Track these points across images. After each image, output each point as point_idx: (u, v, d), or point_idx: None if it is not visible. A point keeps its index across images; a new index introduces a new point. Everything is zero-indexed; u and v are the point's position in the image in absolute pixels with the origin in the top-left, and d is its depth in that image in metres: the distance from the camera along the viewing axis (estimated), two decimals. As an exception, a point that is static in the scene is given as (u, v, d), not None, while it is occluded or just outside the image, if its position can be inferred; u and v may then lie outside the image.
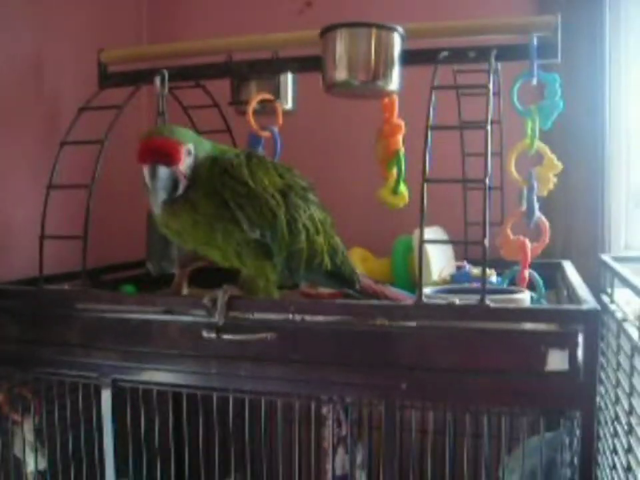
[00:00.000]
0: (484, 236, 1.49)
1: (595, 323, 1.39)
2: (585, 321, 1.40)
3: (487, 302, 1.45)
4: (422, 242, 1.50)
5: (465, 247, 2.27)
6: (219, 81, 2.15)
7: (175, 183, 1.54)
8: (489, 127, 1.54)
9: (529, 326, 1.45)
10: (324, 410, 1.97)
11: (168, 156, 1.52)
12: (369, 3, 2.48)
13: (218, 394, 1.68)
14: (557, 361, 1.41)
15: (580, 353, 1.40)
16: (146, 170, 1.53)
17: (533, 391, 1.44)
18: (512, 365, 1.44)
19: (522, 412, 1.54)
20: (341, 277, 1.77)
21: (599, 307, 1.41)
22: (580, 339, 1.40)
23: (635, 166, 2.40)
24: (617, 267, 1.92)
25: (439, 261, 2.02)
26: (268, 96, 2.02)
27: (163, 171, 1.52)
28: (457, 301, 1.48)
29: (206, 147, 1.62)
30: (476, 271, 2.00)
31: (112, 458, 1.76)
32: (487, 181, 1.50)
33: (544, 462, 1.59)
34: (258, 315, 1.59)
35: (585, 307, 1.42)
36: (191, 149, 1.56)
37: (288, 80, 2.11)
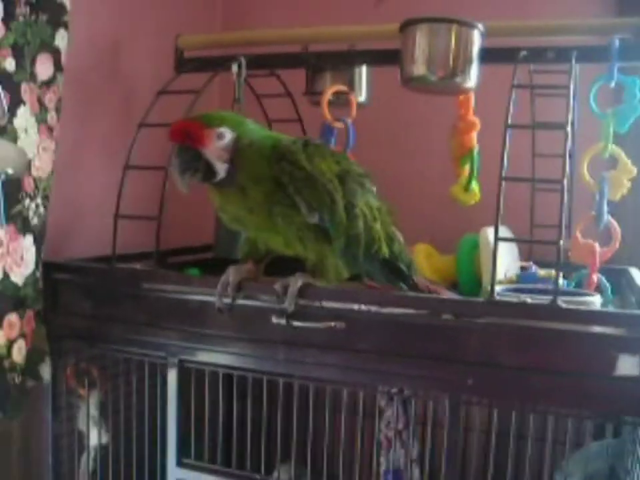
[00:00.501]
0: (559, 237, 1.48)
1: (668, 329, 1.38)
2: (658, 326, 1.39)
3: (559, 302, 1.44)
4: (497, 239, 1.50)
5: (530, 247, 2.26)
6: (292, 70, 2.17)
7: (207, 166, 1.57)
8: (568, 129, 1.53)
9: (599, 329, 1.44)
10: (382, 402, 1.97)
11: (191, 138, 1.54)
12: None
13: (283, 380, 1.70)
14: (626, 366, 1.40)
15: (651, 358, 1.39)
16: (175, 150, 1.57)
17: (600, 394, 1.43)
18: (580, 367, 1.44)
19: (587, 415, 1.53)
20: (398, 269, 1.76)
21: (673, 314, 1.40)
22: (652, 344, 1.39)
23: None
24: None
25: (505, 260, 2.01)
26: (343, 88, 2.03)
27: (186, 152, 1.55)
28: (529, 300, 1.47)
29: (254, 133, 1.63)
30: (543, 272, 1.99)
31: (175, 436, 1.79)
32: (565, 182, 1.49)
33: (604, 468, 1.58)
34: (327, 304, 1.60)
35: (658, 312, 1.41)
36: (226, 133, 1.57)
37: (363, 72, 2.12)
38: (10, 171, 1.60)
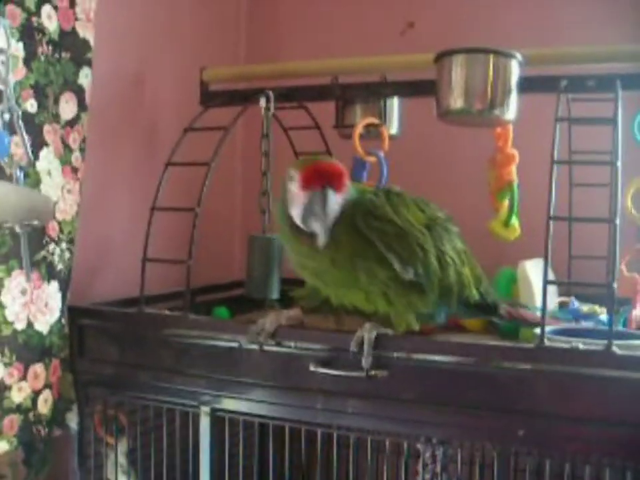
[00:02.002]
0: (612, 279, 1.40)
1: None
2: None
3: (614, 348, 1.37)
4: (546, 282, 1.43)
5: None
6: (321, 102, 2.11)
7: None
8: (619, 164, 1.46)
9: (657, 376, 1.37)
10: (419, 445, 1.90)
11: (339, 180, 1.47)
12: (473, 26, 2.42)
13: (322, 430, 1.63)
14: (687, 415, 1.33)
15: None
16: (313, 196, 1.45)
17: (660, 445, 1.36)
18: (637, 417, 1.36)
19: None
20: (486, 307, 1.70)
21: None
22: None
23: None
24: None
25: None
26: (374, 120, 1.97)
27: (332, 196, 1.46)
28: (581, 346, 1.40)
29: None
30: (586, 308, 1.92)
31: (208, 485, 1.73)
32: (617, 221, 1.42)
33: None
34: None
35: None
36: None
37: (394, 104, 2.06)
38: (36, 222, 1.55)
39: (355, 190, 1.55)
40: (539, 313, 1.69)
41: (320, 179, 1.45)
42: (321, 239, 1.45)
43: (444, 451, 1.89)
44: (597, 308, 1.93)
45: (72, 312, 1.82)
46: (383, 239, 1.49)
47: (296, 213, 1.47)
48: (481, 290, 1.67)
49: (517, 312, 1.76)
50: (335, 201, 1.46)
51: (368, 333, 1.52)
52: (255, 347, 1.60)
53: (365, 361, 1.51)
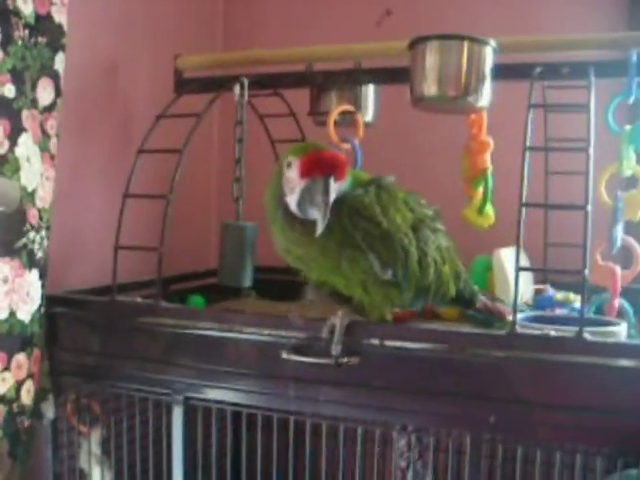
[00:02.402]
0: (583, 266, 1.40)
1: None
2: (690, 359, 1.31)
3: (585, 335, 1.37)
4: (518, 269, 1.43)
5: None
6: (296, 90, 2.10)
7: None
8: (591, 151, 1.46)
9: (627, 362, 1.36)
10: (394, 433, 1.90)
11: (342, 170, 1.45)
12: (449, 14, 2.41)
13: (295, 417, 1.62)
14: (659, 401, 1.33)
15: (684, 393, 1.32)
16: (313, 184, 1.43)
17: (630, 431, 1.35)
18: (608, 403, 1.36)
19: (618, 454, 1.45)
20: (462, 300, 1.70)
21: None
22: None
23: None
24: None
25: (520, 284, 1.94)
26: (349, 107, 1.96)
27: (333, 186, 1.44)
28: (552, 333, 1.40)
29: None
30: (560, 295, 1.92)
31: (181, 474, 1.72)
32: (589, 208, 1.42)
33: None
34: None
35: (692, 345, 1.34)
36: None
37: (369, 91, 2.05)
38: (1, 209, 1.53)
39: (351, 178, 1.53)
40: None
41: (323, 168, 1.43)
42: (320, 228, 1.43)
43: (418, 439, 1.89)
44: (571, 295, 1.93)
45: (45, 300, 1.79)
46: (367, 240, 1.48)
47: (293, 200, 1.45)
48: (459, 285, 1.66)
49: (494, 305, 1.75)
50: (336, 190, 1.45)
51: (340, 320, 1.52)
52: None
53: (335, 348, 1.50)
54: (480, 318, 1.74)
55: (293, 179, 1.45)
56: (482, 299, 1.74)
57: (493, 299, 1.80)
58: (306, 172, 1.43)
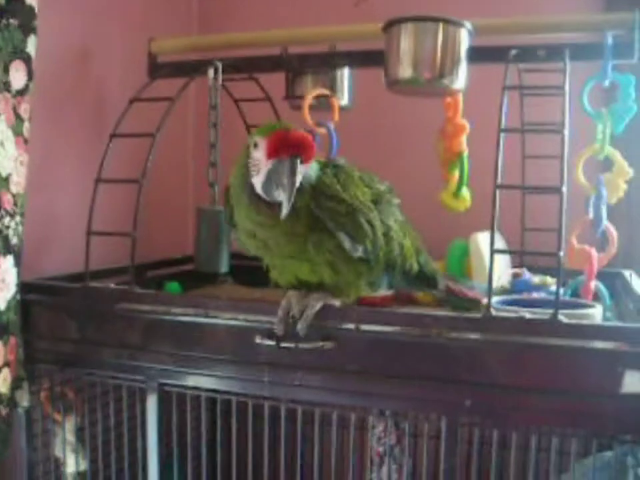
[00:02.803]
0: (558, 248, 1.40)
1: (678, 344, 1.30)
2: (666, 341, 1.31)
3: (560, 317, 1.36)
4: (493, 252, 1.42)
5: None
6: (272, 74, 2.08)
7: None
8: (566, 132, 1.45)
9: (604, 344, 1.36)
10: (372, 418, 1.90)
11: (309, 152, 1.42)
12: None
13: (269, 403, 1.61)
14: (634, 383, 1.32)
15: (659, 375, 1.31)
16: (279, 164, 1.39)
17: (606, 413, 1.36)
18: (584, 385, 1.36)
19: (594, 435, 1.45)
20: (425, 278, 1.70)
21: (681, 328, 1.32)
22: (659, 360, 1.31)
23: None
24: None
25: (497, 267, 1.94)
26: (324, 91, 1.95)
27: (300, 168, 1.41)
28: (527, 315, 1.40)
29: None
30: (536, 279, 1.92)
31: (156, 463, 1.70)
32: (564, 190, 1.41)
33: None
34: (315, 323, 1.51)
35: (666, 326, 1.34)
36: None
37: (345, 74, 2.03)
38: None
39: (314, 162, 1.51)
40: (479, 290, 1.70)
41: (289, 148, 1.39)
42: (285, 210, 1.40)
43: (395, 424, 1.88)
44: (548, 279, 1.93)
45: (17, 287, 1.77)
46: (334, 219, 1.47)
47: (258, 181, 1.42)
48: (421, 261, 1.67)
49: (457, 287, 1.76)
50: (302, 171, 1.42)
51: (315, 301, 1.50)
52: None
53: (301, 328, 1.49)
54: (456, 302, 1.73)
55: (259, 160, 1.42)
56: (444, 282, 1.75)
57: (454, 281, 1.81)
58: (272, 152, 1.40)
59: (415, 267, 1.65)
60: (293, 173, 1.39)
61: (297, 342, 1.50)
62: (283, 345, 1.50)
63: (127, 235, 1.68)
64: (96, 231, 1.73)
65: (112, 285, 1.77)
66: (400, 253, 1.59)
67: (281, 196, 1.40)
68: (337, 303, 1.53)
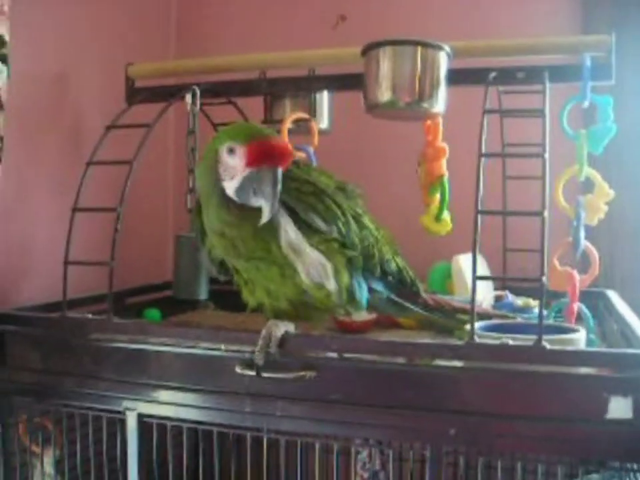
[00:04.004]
0: (542, 272, 1.38)
1: (663, 369, 1.29)
2: (652, 366, 1.30)
3: (544, 343, 1.35)
4: (475, 278, 1.40)
5: (503, 273, 2.18)
6: (250, 98, 2.07)
7: None
8: (547, 155, 1.44)
9: (587, 370, 1.35)
10: (354, 446, 1.87)
11: (287, 161, 1.42)
12: (406, 19, 2.40)
13: (251, 434, 1.58)
14: (619, 408, 1.31)
15: (645, 400, 1.30)
16: (260, 173, 1.39)
17: (592, 439, 1.34)
18: (569, 411, 1.34)
19: (580, 463, 1.43)
20: (405, 282, 1.69)
21: (667, 352, 1.31)
22: (646, 385, 1.30)
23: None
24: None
25: (480, 290, 1.93)
26: (303, 115, 1.94)
27: (280, 176, 1.40)
28: (511, 342, 1.38)
29: None
30: (520, 301, 1.91)
31: (137, 493, 1.67)
32: (546, 214, 1.40)
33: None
34: (296, 352, 1.49)
35: (652, 351, 1.33)
36: None
37: (324, 98, 2.02)
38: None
39: None
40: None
41: (272, 159, 1.39)
42: (266, 217, 1.39)
43: (380, 450, 1.86)
44: (531, 301, 1.92)
45: (-9, 318, 1.74)
46: (301, 199, 1.47)
47: (232, 186, 1.41)
48: (398, 262, 1.67)
49: (442, 300, 1.76)
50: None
51: (275, 327, 1.48)
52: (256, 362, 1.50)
53: (257, 357, 1.47)
54: (442, 322, 1.73)
55: (234, 166, 1.41)
56: (430, 296, 1.74)
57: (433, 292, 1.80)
58: (253, 161, 1.39)
59: (394, 265, 1.64)
60: (275, 182, 1.38)
61: (279, 372, 1.47)
62: (264, 374, 1.48)
63: (104, 264, 1.65)
64: (73, 261, 1.70)
65: (89, 315, 1.74)
66: (375, 244, 1.58)
67: (261, 203, 1.39)
68: (290, 328, 1.51)
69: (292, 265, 1.50)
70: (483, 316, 1.68)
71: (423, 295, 1.72)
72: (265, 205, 1.39)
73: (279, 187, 1.39)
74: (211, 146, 1.46)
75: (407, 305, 1.70)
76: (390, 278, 1.66)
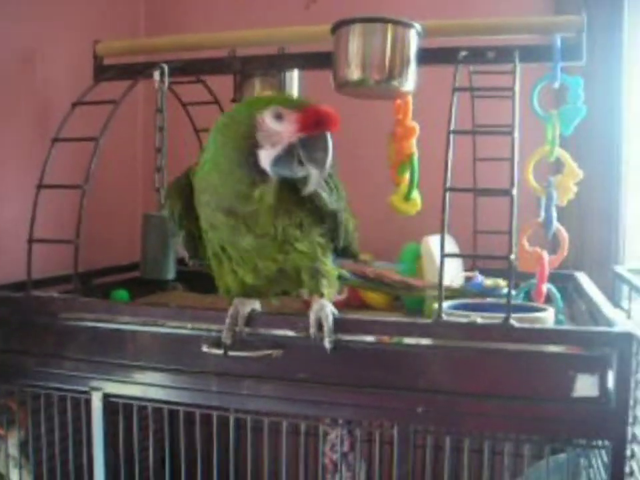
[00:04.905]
0: (509, 251, 1.38)
1: (629, 346, 1.29)
2: (617, 344, 1.30)
3: (512, 322, 1.34)
4: (443, 256, 1.40)
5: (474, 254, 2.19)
6: (221, 76, 2.05)
7: None
8: (516, 134, 1.44)
9: (555, 348, 1.35)
10: (326, 425, 1.87)
11: (338, 127, 1.38)
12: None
13: (218, 413, 1.57)
14: (585, 386, 1.31)
15: (611, 378, 1.30)
16: (312, 139, 1.35)
17: (559, 418, 1.34)
18: (536, 390, 1.35)
19: (547, 440, 1.44)
20: (349, 255, 1.69)
21: (632, 330, 1.31)
22: (611, 363, 1.30)
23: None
24: (634, 279, 1.83)
25: (449, 270, 1.92)
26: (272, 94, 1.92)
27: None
28: (479, 320, 1.38)
29: None
30: (489, 282, 1.90)
31: (103, 475, 1.65)
32: (514, 193, 1.40)
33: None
34: (263, 330, 1.48)
35: (617, 329, 1.33)
36: None
37: (294, 77, 2.00)
38: None
39: None
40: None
41: (326, 125, 1.35)
42: (313, 185, 1.37)
43: (349, 431, 1.86)
44: (500, 281, 1.92)
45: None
46: None
47: (269, 154, 1.34)
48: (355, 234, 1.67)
49: (382, 272, 1.78)
50: None
51: (242, 306, 1.48)
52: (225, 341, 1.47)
53: (225, 335, 1.46)
54: (411, 301, 1.76)
55: (279, 132, 1.34)
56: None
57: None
58: (307, 126, 1.34)
59: (352, 225, 1.64)
60: (329, 147, 1.36)
61: (245, 350, 1.46)
62: (231, 353, 1.46)
63: (70, 242, 1.63)
64: (37, 239, 1.68)
65: (55, 294, 1.72)
66: (349, 216, 1.59)
67: (308, 170, 1.35)
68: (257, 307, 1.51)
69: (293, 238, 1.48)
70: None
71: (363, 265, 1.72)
72: (314, 173, 1.35)
73: (331, 152, 1.36)
74: (244, 111, 1.39)
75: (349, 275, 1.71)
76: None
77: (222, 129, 1.40)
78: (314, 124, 1.34)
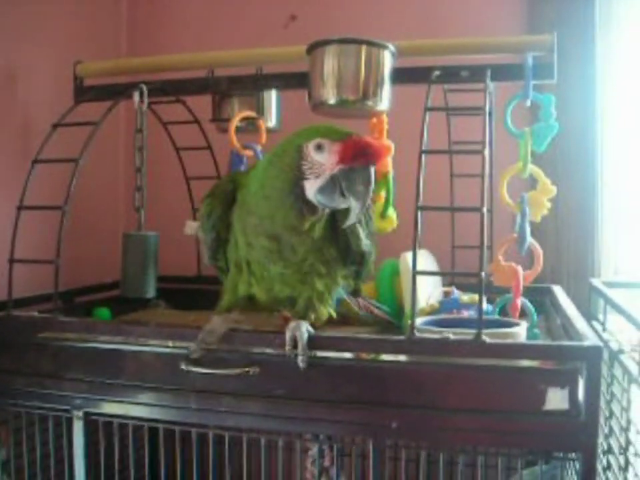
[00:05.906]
0: (481, 268, 1.40)
1: (598, 360, 1.32)
2: (587, 358, 1.33)
3: (484, 337, 1.37)
4: (415, 273, 1.42)
5: (452, 270, 2.21)
6: (199, 96, 2.07)
7: None
8: (486, 152, 1.47)
9: (526, 363, 1.38)
10: (303, 442, 1.88)
11: (383, 160, 1.43)
12: (356, 19, 2.42)
13: (197, 430, 1.59)
14: (556, 399, 1.34)
15: (581, 391, 1.33)
16: (353, 171, 1.36)
17: (531, 431, 1.36)
18: (509, 404, 1.37)
19: (518, 454, 1.46)
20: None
21: (601, 344, 1.34)
22: (581, 376, 1.33)
23: (626, 190, 2.33)
24: (609, 292, 1.86)
25: (427, 286, 1.95)
26: (250, 113, 1.95)
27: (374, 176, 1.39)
28: (451, 336, 1.40)
29: None
30: (465, 297, 1.93)
31: (84, 493, 1.67)
32: (484, 210, 1.42)
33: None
34: (241, 347, 1.50)
35: (587, 343, 1.35)
36: None
37: (272, 97, 2.03)
38: None
39: None
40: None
41: (368, 157, 1.36)
42: (354, 217, 1.38)
43: (330, 446, 1.87)
44: (476, 297, 1.94)
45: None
46: None
47: (314, 185, 1.37)
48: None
49: (368, 303, 1.82)
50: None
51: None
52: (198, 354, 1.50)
53: (193, 350, 1.49)
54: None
55: (321, 163, 1.36)
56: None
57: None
58: (348, 158, 1.35)
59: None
60: (369, 182, 1.37)
61: (223, 368, 1.48)
62: (208, 371, 1.48)
63: (50, 262, 1.64)
64: (18, 259, 1.69)
65: (35, 314, 1.73)
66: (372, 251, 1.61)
67: (349, 203, 1.36)
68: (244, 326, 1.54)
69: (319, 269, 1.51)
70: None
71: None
72: (354, 205, 1.36)
73: (372, 187, 1.38)
74: (292, 142, 1.42)
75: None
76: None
77: (272, 159, 1.44)
78: (353, 156, 1.35)
